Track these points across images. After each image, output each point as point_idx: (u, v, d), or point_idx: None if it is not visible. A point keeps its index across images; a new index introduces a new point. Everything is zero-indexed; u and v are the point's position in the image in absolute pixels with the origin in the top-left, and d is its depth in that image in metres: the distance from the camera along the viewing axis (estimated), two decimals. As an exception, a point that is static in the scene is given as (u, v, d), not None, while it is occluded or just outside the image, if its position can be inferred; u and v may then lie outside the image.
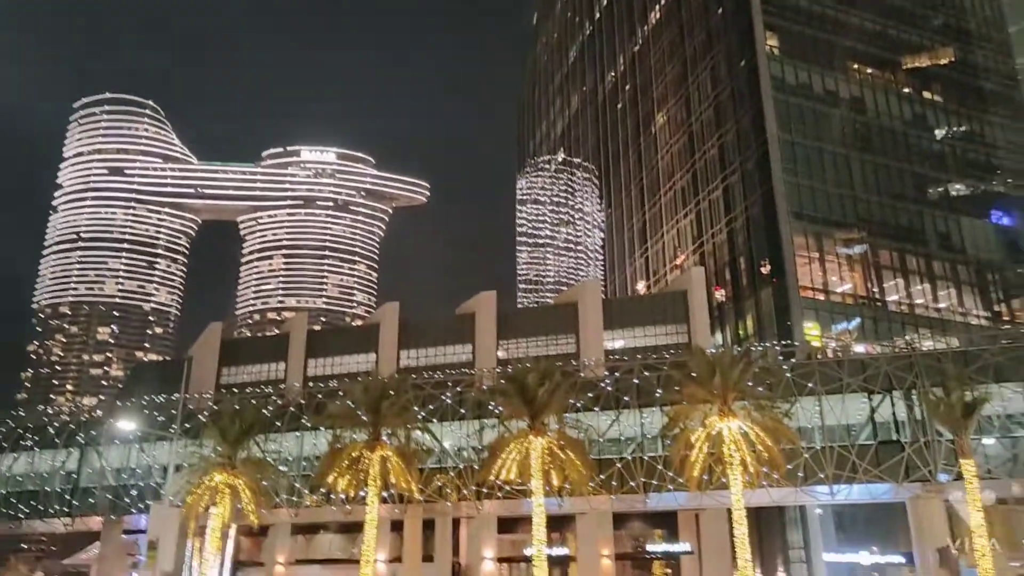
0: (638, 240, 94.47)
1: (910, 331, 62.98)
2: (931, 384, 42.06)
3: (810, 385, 45.51)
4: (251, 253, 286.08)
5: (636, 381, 48.10)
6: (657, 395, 45.44)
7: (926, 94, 78.26)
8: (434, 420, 48.77)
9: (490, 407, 47.45)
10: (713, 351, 43.77)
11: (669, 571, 58.06)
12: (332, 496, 46.50)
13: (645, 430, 47.91)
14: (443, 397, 50.66)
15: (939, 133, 76.72)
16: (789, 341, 57.02)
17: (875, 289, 66.44)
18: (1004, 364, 43.37)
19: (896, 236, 68.89)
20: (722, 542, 50.05)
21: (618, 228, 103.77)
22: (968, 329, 64.32)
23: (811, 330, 61.40)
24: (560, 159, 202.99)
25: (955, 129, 77.56)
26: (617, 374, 50.08)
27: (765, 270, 65.99)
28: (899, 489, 43.80)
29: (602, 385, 48.93)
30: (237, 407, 46.78)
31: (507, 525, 57.36)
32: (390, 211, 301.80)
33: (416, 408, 47.24)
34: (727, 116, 75.59)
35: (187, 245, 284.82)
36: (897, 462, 43.34)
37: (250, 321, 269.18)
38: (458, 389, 51.52)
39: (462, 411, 50.27)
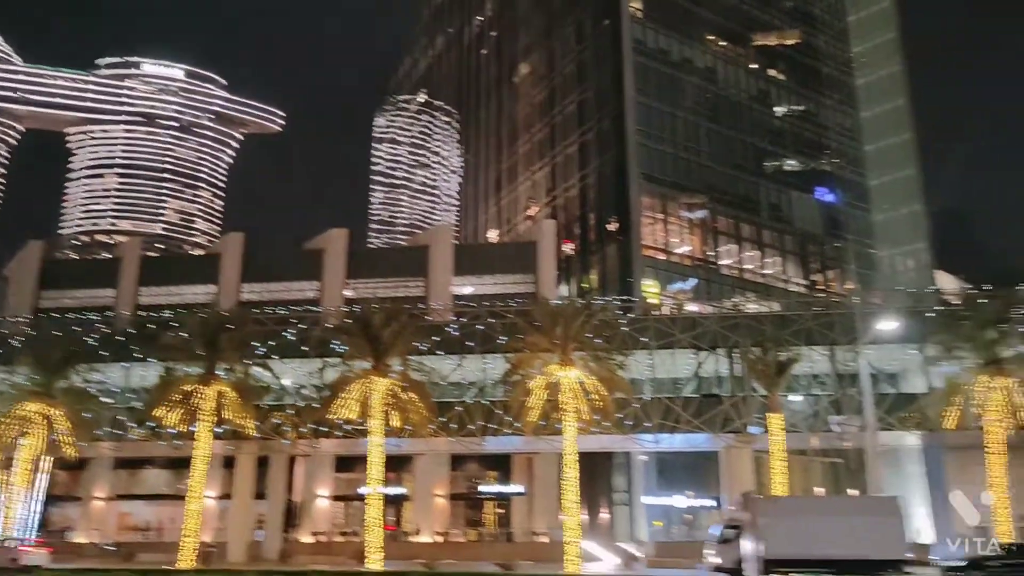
0: (493, 188, 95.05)
1: (739, 294, 67.59)
2: (751, 344, 45.45)
3: (644, 339, 48.16)
4: (81, 169, 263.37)
5: (481, 327, 48.96)
6: (501, 342, 46.46)
7: (771, 72, 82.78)
8: (275, 357, 47.60)
9: (333, 346, 46.88)
10: (558, 302, 45.25)
11: (502, 511, 60.27)
12: (160, 430, 44.67)
13: (487, 375, 49.07)
14: (285, 333, 49.53)
15: (779, 110, 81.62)
16: (629, 297, 59.65)
17: (711, 252, 70.51)
18: (815, 329, 47.66)
19: (734, 204, 73.21)
20: (552, 484, 52.17)
21: (474, 175, 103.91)
22: (788, 295, 69.73)
23: (650, 287, 64.52)
24: (421, 100, 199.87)
25: (793, 108, 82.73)
26: (463, 319, 50.74)
27: (612, 227, 68.35)
28: (715, 439, 47.49)
29: (448, 329, 49.49)
30: (58, 333, 43.92)
31: (344, 464, 57.32)
32: (240, 137, 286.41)
33: (256, 344, 46.00)
34: (588, 74, 76.84)
35: (6, 154, 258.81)
36: (716, 414, 46.92)
37: (77, 242, 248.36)
38: (302, 326, 50.54)
39: (304, 348, 49.39)
